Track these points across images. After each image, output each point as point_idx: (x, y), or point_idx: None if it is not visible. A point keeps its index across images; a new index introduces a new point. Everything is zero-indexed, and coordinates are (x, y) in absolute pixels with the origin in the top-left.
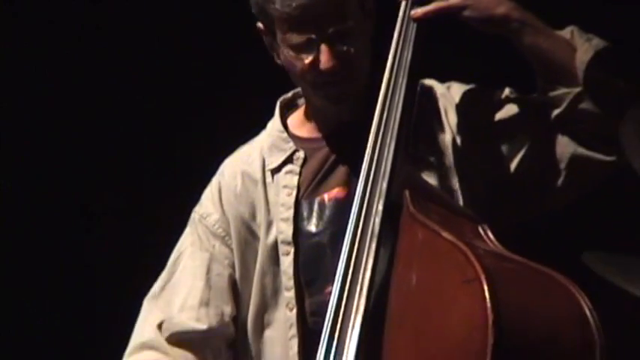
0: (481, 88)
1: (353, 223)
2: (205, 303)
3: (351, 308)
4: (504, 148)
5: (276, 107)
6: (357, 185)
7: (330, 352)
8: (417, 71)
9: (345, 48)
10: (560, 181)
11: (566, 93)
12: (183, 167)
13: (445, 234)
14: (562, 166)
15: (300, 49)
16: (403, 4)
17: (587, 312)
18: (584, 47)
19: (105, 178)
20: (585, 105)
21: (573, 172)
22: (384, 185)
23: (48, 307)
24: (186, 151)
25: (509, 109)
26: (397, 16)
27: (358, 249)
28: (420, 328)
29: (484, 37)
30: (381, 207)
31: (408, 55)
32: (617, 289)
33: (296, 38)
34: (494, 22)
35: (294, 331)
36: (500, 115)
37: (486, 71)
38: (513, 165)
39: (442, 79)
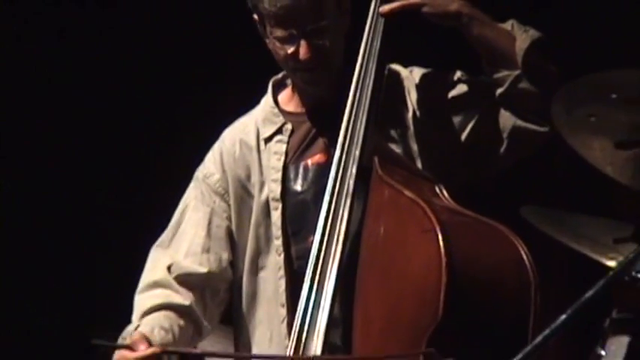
0: (437, 71)
1: (331, 184)
2: (207, 250)
3: (330, 254)
4: (457, 121)
5: (269, 86)
6: (335, 152)
7: (312, 290)
8: (384, 58)
9: (320, 42)
10: (503, 148)
11: (507, 75)
12: (186, 135)
13: (407, 192)
14: (505, 135)
15: (283, 41)
16: (373, 1)
17: (525, 257)
18: (522, 37)
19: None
20: (523, 85)
21: (514, 140)
22: (357, 152)
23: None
24: (190, 122)
25: (461, 88)
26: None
27: (336, 205)
28: (387, 271)
29: (440, 29)
30: (354, 170)
31: (377, 44)
32: (550, 239)
33: (280, 32)
34: (447, 17)
35: (282, 272)
36: (453, 93)
37: (442, 57)
38: (464, 135)
39: (405, 65)
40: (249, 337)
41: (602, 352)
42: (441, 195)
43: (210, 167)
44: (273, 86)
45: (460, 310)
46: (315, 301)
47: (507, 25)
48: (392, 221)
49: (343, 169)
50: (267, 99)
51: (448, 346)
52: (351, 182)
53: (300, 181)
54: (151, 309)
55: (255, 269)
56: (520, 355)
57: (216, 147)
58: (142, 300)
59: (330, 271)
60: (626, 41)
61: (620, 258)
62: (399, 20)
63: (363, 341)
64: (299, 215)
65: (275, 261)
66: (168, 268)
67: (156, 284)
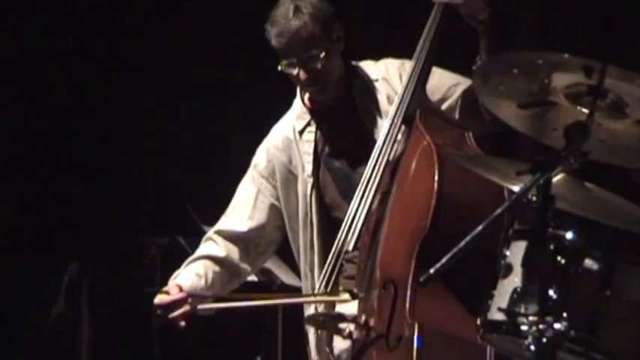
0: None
1: (385, 131)
2: (251, 217)
3: (373, 180)
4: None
5: (297, 90)
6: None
7: (360, 202)
8: (435, 40)
9: (313, 66)
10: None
11: None
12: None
13: (427, 137)
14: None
15: (288, 67)
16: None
17: (505, 192)
18: None
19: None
20: None
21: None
22: (404, 107)
23: None
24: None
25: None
26: None
27: (382, 147)
28: (404, 194)
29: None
30: (400, 120)
31: (432, 29)
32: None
33: (285, 61)
34: (477, 20)
35: (317, 225)
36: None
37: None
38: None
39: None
40: (300, 265)
41: (507, 253)
42: (468, 140)
43: (258, 158)
44: (300, 90)
45: (442, 226)
46: (357, 209)
47: None
48: (413, 158)
49: (393, 121)
50: (297, 100)
51: (433, 253)
52: (397, 130)
53: (335, 161)
54: (194, 259)
55: (304, 225)
56: (444, 260)
57: (264, 142)
58: (194, 257)
59: (370, 191)
60: None
61: (521, 185)
62: (448, 13)
63: (386, 242)
64: (338, 184)
65: (315, 217)
66: (219, 228)
67: (205, 239)
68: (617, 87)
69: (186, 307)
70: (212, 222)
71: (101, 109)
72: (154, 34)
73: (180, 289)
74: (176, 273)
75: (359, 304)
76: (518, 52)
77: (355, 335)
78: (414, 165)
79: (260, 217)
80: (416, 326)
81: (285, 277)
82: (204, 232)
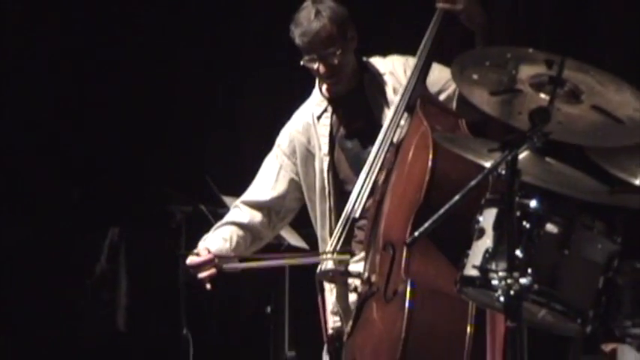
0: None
1: (390, 117)
2: (273, 188)
3: (378, 158)
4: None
5: (316, 82)
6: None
7: (367, 177)
8: (435, 41)
9: (333, 61)
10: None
11: None
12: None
13: (425, 122)
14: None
15: (309, 62)
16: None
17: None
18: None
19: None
20: None
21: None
22: (407, 97)
23: None
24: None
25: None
26: None
27: (387, 130)
28: (404, 169)
29: None
30: (403, 108)
31: (433, 31)
32: None
33: (307, 57)
34: (475, 25)
35: (333, 197)
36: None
37: None
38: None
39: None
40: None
41: (480, 219)
42: (461, 126)
43: (281, 139)
44: (319, 81)
45: (434, 199)
46: (364, 182)
47: None
48: (413, 140)
49: (397, 108)
50: (315, 90)
51: (426, 221)
52: (400, 117)
53: (347, 141)
54: (221, 224)
55: (321, 196)
56: (427, 224)
57: (287, 125)
58: (221, 223)
59: (376, 168)
60: None
61: (492, 161)
62: (448, 18)
63: (387, 212)
64: (350, 161)
65: (333, 190)
66: (244, 199)
67: (233, 207)
68: (574, 77)
69: (213, 268)
70: (230, 192)
71: (137, 88)
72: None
73: (209, 251)
74: (205, 236)
75: (364, 263)
76: (490, 48)
77: (360, 289)
78: (413, 146)
79: (281, 188)
80: (408, 282)
81: (292, 239)
82: (222, 201)
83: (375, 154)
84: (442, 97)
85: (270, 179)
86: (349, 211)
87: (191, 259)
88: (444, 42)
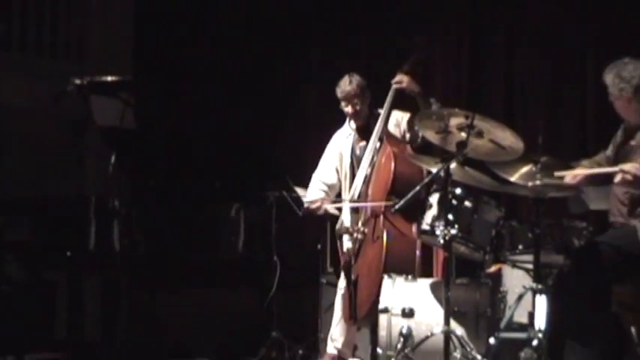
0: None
1: (371, 144)
2: (329, 172)
3: (367, 161)
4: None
5: (347, 118)
6: (370, 140)
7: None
8: (391, 106)
9: (356, 108)
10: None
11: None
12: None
13: (389, 146)
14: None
15: (344, 107)
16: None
17: (424, 172)
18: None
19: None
20: None
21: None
22: (379, 134)
23: None
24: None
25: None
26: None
27: (372, 151)
28: (379, 171)
29: None
30: (378, 138)
31: (390, 99)
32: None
33: (343, 103)
34: (416, 94)
35: (349, 178)
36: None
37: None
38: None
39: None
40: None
41: (430, 198)
42: (406, 149)
43: (331, 144)
44: (349, 118)
45: (396, 187)
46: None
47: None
48: (383, 155)
49: (374, 139)
50: (346, 122)
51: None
52: (377, 143)
53: (360, 151)
54: (313, 187)
55: (346, 179)
56: (402, 202)
57: (333, 138)
58: (312, 185)
59: (367, 166)
60: None
61: (437, 168)
62: (400, 89)
63: (372, 191)
64: (357, 162)
65: (350, 176)
66: (317, 178)
67: (314, 179)
68: (480, 124)
69: (318, 204)
70: (298, 183)
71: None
72: None
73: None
74: (307, 192)
75: (362, 221)
76: (436, 110)
77: (359, 236)
78: (383, 159)
79: (332, 172)
80: (384, 230)
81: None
82: (294, 189)
83: (367, 159)
84: (401, 127)
85: (330, 166)
86: (355, 189)
87: (307, 204)
88: (398, 99)
